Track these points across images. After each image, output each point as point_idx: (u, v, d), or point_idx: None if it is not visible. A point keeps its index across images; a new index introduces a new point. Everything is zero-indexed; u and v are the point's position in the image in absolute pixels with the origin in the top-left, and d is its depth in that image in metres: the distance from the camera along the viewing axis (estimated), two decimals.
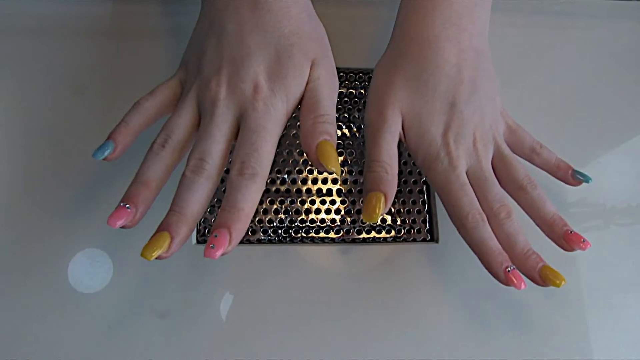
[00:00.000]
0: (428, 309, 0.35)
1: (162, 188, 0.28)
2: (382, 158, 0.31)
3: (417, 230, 0.38)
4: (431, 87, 0.32)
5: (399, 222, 0.38)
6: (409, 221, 0.38)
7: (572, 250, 0.32)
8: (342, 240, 0.37)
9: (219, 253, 0.25)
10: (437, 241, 0.37)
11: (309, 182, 0.38)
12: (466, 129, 0.32)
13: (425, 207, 0.39)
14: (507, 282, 0.30)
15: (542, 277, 0.30)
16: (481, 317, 0.35)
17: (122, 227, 0.27)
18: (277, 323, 0.34)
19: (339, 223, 0.37)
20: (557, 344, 0.35)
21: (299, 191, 0.38)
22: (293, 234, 0.37)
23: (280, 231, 0.37)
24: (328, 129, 0.29)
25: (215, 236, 0.25)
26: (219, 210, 0.26)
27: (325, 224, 0.37)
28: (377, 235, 0.37)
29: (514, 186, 0.33)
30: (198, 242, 0.36)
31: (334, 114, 0.30)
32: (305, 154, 0.28)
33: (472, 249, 0.31)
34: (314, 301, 0.34)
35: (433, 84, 0.32)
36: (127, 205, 0.27)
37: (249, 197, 0.27)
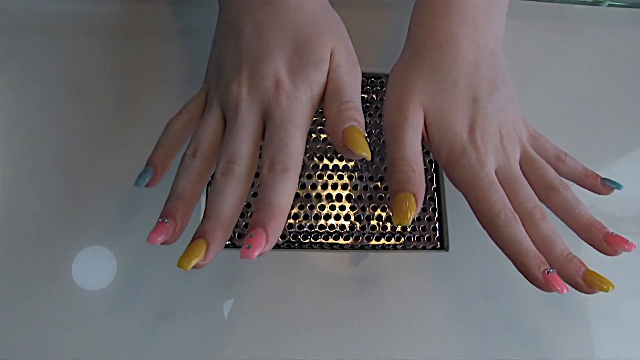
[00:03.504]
0: (437, 318, 0.34)
1: (199, 198, 0.28)
2: (407, 156, 0.29)
3: (426, 238, 0.37)
4: (452, 81, 0.31)
5: (408, 230, 0.37)
6: (418, 228, 0.37)
7: (615, 253, 0.30)
8: (351, 247, 0.36)
9: (256, 253, 0.24)
10: (447, 249, 0.36)
11: (319, 187, 0.37)
12: (491, 126, 0.31)
13: (435, 215, 0.38)
14: (547, 285, 0.28)
15: (588, 282, 0.28)
16: (492, 328, 0.34)
17: (163, 243, 0.26)
18: (283, 330, 0.33)
19: (348, 229, 0.36)
20: (570, 355, 0.34)
21: (308, 196, 0.37)
22: (302, 240, 0.36)
23: (289, 236, 0.36)
24: (354, 115, 0.28)
25: (251, 236, 0.24)
26: (253, 210, 0.26)
27: (334, 230, 0.36)
28: (387, 242, 0.37)
29: (545, 187, 0.31)
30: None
31: (359, 101, 0.29)
32: (332, 144, 0.28)
33: (505, 251, 0.29)
34: (321, 308, 0.34)
35: (453, 78, 0.31)
36: (166, 221, 0.26)
37: (282, 193, 0.26)
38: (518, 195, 0.30)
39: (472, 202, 0.30)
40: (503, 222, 0.29)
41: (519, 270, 0.28)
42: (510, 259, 0.29)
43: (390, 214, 0.34)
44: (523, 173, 0.32)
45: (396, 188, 0.29)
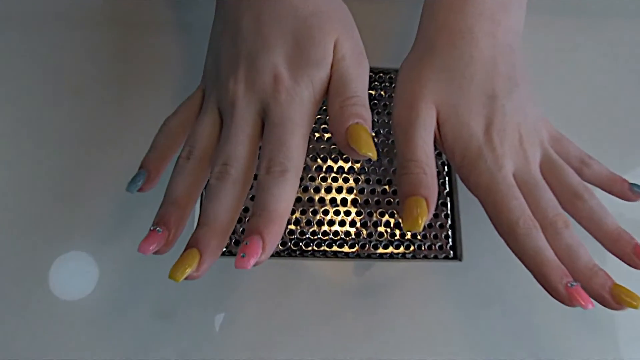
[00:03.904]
0: (449, 334, 0.33)
1: (195, 203, 0.28)
2: (418, 157, 0.28)
3: (438, 246, 0.36)
4: (467, 77, 0.30)
5: (419, 237, 0.36)
6: (430, 236, 0.36)
7: None
8: (357, 256, 0.35)
9: (251, 262, 0.23)
10: (460, 259, 0.35)
11: (322, 190, 0.36)
12: (510, 126, 0.30)
13: (448, 222, 0.36)
14: (569, 299, 0.26)
15: (615, 298, 0.27)
16: (509, 346, 0.33)
17: (156, 252, 0.26)
18: (283, 347, 0.32)
19: (353, 236, 0.35)
20: None
21: (310, 200, 0.36)
22: (303, 247, 0.35)
23: (289, 244, 0.35)
24: (359, 111, 0.27)
25: (246, 244, 0.24)
26: (250, 215, 0.25)
27: (338, 237, 0.35)
28: (395, 251, 0.35)
29: (568, 194, 0.30)
30: None
31: (365, 96, 0.28)
32: (335, 143, 0.27)
33: (524, 261, 0.28)
34: (324, 321, 0.32)
35: (469, 73, 0.30)
36: (159, 229, 0.26)
37: (280, 197, 0.25)
38: (539, 202, 0.29)
39: (488, 208, 0.29)
40: (522, 230, 0.27)
41: (540, 282, 0.27)
42: (530, 270, 0.28)
43: (400, 219, 0.34)
44: (544, 177, 0.30)
45: (406, 191, 0.28)
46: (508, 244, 0.28)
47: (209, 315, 0.32)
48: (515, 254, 0.28)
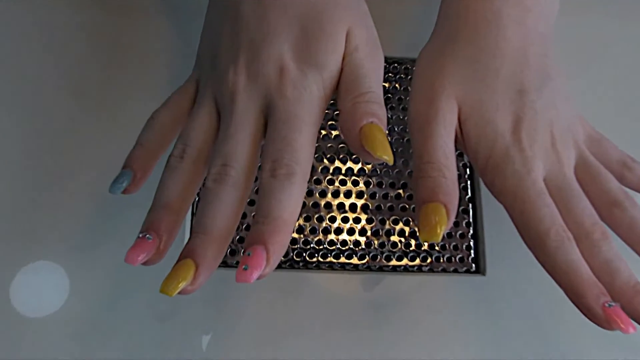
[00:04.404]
0: (470, 355, 0.31)
1: (189, 208, 0.27)
2: (437, 158, 0.27)
3: (459, 259, 0.34)
4: (493, 70, 0.29)
5: (437, 248, 0.34)
6: (449, 247, 0.34)
7: None
8: (367, 268, 0.33)
9: (254, 276, 0.22)
10: (483, 273, 0.33)
11: (329, 194, 0.34)
12: (541, 124, 0.29)
13: (469, 231, 0.35)
14: (607, 321, 0.25)
15: None
16: None
17: (145, 263, 0.25)
18: None
19: (363, 246, 0.34)
20: None
21: (315, 205, 0.34)
22: (307, 258, 0.33)
23: (291, 254, 0.33)
24: (374, 110, 0.26)
25: (249, 255, 0.23)
26: (252, 223, 0.24)
27: (347, 247, 0.34)
28: (410, 263, 0.33)
29: (606, 201, 0.29)
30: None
31: (380, 92, 0.27)
32: (346, 144, 0.27)
33: (555, 277, 0.27)
34: (330, 340, 0.31)
35: (495, 66, 0.29)
36: (148, 236, 0.25)
37: (286, 202, 0.24)
38: (572, 210, 0.28)
39: (515, 217, 0.28)
40: (554, 242, 0.26)
41: (573, 301, 0.26)
42: (561, 287, 0.27)
43: (416, 228, 0.33)
44: (579, 183, 0.29)
45: (424, 197, 0.27)
46: (537, 258, 0.27)
47: (202, 333, 0.31)
48: (546, 269, 0.27)
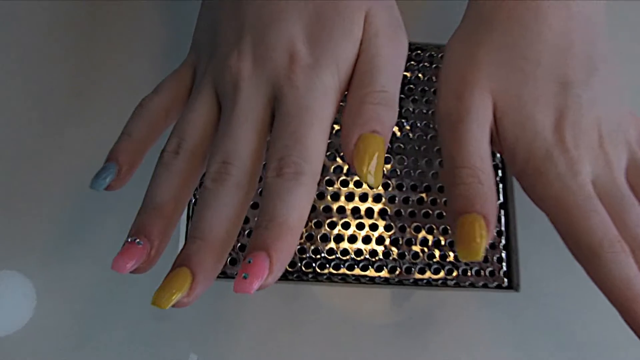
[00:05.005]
0: None
1: (184, 210, 0.26)
2: (471, 162, 0.26)
3: (489, 272, 0.32)
4: (532, 59, 0.28)
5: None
6: None
7: None
8: (386, 281, 0.32)
9: (255, 286, 0.22)
10: (517, 289, 0.32)
11: (342, 197, 0.32)
12: (587, 121, 0.28)
13: (501, 241, 0.33)
14: None
15: None
16: None
17: (134, 271, 0.24)
18: None
19: (381, 257, 0.32)
20: None
21: (327, 209, 0.32)
22: (317, 269, 0.32)
23: (299, 264, 0.32)
24: (380, 114, 0.25)
25: (249, 262, 0.22)
26: (254, 228, 0.23)
27: (362, 257, 0.32)
28: (434, 277, 0.32)
29: None
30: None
31: (396, 91, 0.26)
32: (341, 147, 0.26)
33: (609, 294, 0.26)
34: None
35: (534, 55, 0.28)
36: (138, 241, 0.24)
37: (293, 205, 0.23)
38: (626, 218, 0.27)
39: (560, 226, 0.27)
40: (608, 255, 0.25)
41: (629, 323, 0.25)
42: (616, 306, 0.25)
43: (441, 237, 0.32)
44: (630, 187, 0.28)
45: (459, 207, 0.25)
46: (588, 272, 0.26)
47: (195, 353, 0.30)
48: (598, 285, 0.26)
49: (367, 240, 0.32)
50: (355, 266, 0.32)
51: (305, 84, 0.25)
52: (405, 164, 0.33)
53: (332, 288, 0.31)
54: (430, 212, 0.33)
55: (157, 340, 0.29)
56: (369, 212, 0.32)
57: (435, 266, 0.32)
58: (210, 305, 0.30)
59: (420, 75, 0.35)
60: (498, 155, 0.33)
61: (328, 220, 0.32)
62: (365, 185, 0.32)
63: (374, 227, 0.32)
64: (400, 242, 0.32)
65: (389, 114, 0.25)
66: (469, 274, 0.32)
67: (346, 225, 0.32)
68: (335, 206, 0.32)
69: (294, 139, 0.24)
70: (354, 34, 0.26)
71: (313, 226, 0.32)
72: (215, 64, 0.27)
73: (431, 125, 0.33)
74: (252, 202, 0.32)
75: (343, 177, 0.33)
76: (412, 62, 0.35)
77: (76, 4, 0.35)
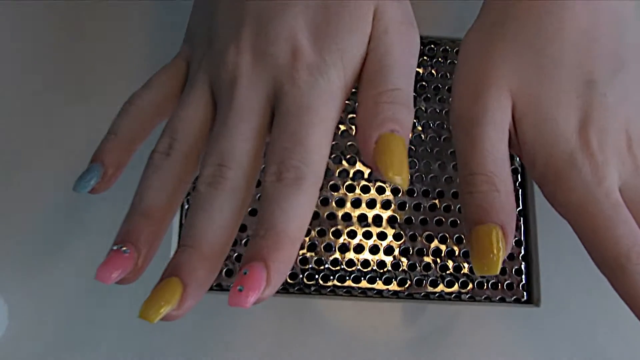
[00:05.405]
0: None
1: (174, 215, 0.26)
2: (488, 167, 0.26)
3: (507, 285, 0.31)
4: (554, 57, 0.27)
5: None
6: None
7: None
8: (395, 295, 0.31)
9: (250, 299, 0.21)
10: (537, 304, 0.31)
11: (348, 204, 0.32)
12: (614, 123, 0.27)
13: (520, 252, 0.32)
14: None
15: None
16: None
17: (120, 281, 0.23)
18: None
19: (390, 268, 0.31)
20: None
21: (332, 216, 0.31)
22: (321, 282, 0.31)
23: (301, 276, 0.31)
24: (397, 114, 0.24)
25: (245, 273, 0.22)
26: (251, 236, 0.23)
27: (369, 269, 0.31)
28: (447, 290, 0.31)
29: None
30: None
31: (409, 88, 0.25)
32: (359, 151, 0.26)
33: (633, 307, 0.25)
34: None
35: (556, 53, 0.27)
36: (125, 249, 0.24)
37: (293, 212, 0.23)
38: None
39: (584, 236, 0.26)
40: (635, 267, 0.25)
41: None
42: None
43: (455, 247, 0.31)
44: None
45: (474, 217, 0.25)
46: (613, 285, 0.25)
47: None
48: (624, 299, 0.25)
49: (374, 250, 0.32)
50: (362, 278, 0.31)
51: (307, 81, 0.25)
52: (417, 167, 0.32)
53: (336, 302, 0.31)
54: (444, 219, 0.32)
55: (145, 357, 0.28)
56: (377, 220, 0.32)
57: (448, 278, 0.31)
58: (203, 320, 0.29)
59: (433, 71, 0.34)
60: (517, 158, 0.32)
61: (332, 229, 0.31)
62: (373, 191, 0.32)
63: (382, 235, 0.32)
64: (411, 252, 0.32)
65: (404, 112, 0.25)
66: (485, 287, 0.31)
67: (352, 234, 0.31)
68: (340, 213, 0.31)
69: (294, 141, 0.24)
70: (362, 30, 0.26)
71: (316, 235, 0.31)
72: (211, 59, 0.27)
73: (445, 126, 0.33)
74: (249, 209, 0.31)
75: (349, 182, 0.32)
76: (425, 58, 0.34)
77: (71, 3, 0.35)
